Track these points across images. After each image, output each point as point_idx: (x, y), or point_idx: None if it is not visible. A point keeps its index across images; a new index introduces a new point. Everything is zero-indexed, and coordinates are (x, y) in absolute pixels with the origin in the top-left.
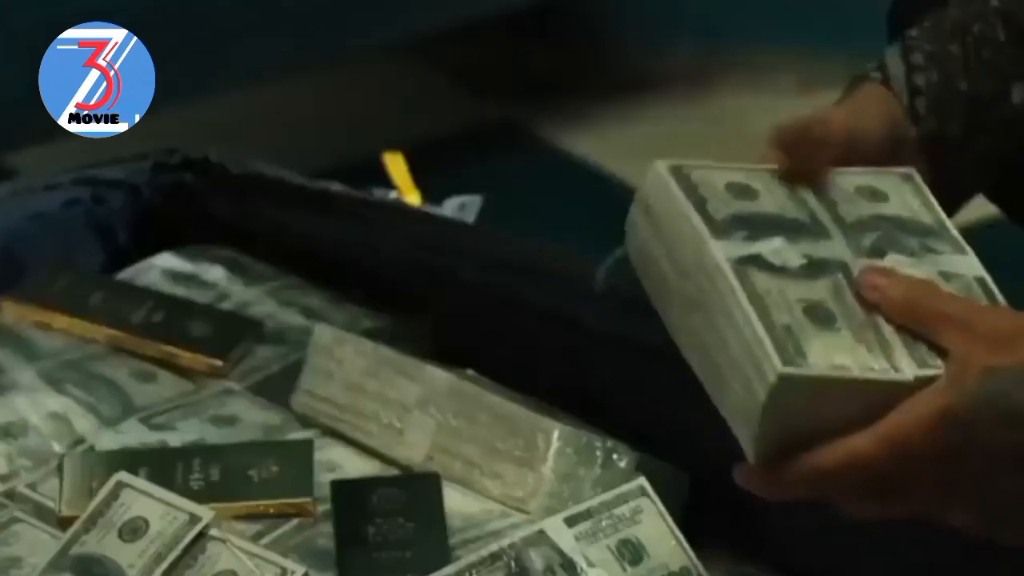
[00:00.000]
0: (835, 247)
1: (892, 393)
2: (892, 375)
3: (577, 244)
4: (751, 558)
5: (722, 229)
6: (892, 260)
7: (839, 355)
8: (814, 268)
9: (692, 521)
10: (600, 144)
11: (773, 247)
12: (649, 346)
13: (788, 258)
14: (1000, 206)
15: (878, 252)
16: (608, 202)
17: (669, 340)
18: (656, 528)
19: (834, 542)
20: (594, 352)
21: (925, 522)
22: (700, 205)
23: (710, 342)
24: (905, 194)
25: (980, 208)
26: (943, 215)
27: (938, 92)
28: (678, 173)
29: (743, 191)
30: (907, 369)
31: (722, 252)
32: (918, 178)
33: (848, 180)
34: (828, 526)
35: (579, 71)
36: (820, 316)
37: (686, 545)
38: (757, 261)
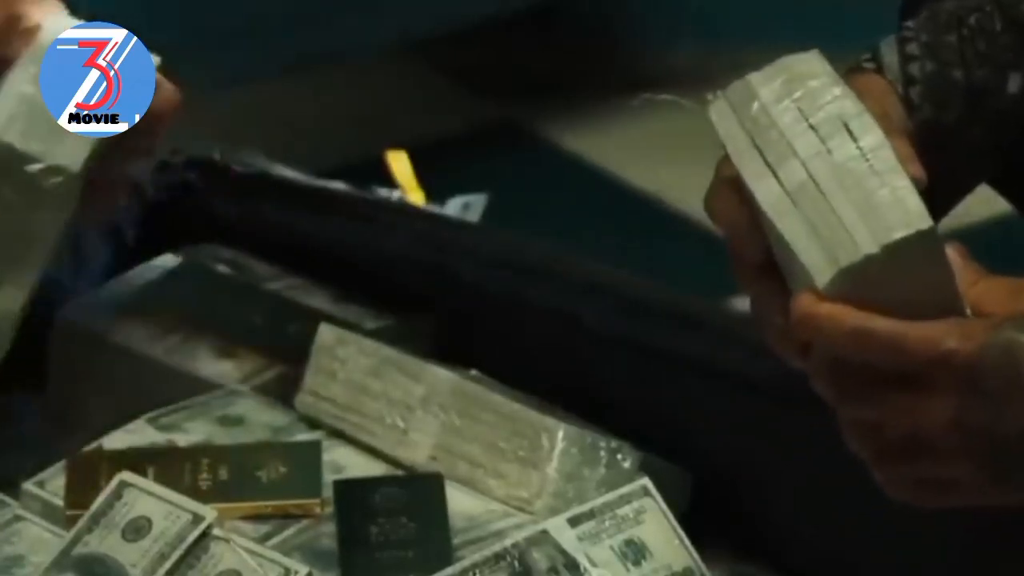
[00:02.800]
0: None
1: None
2: None
3: (579, 243)
4: (751, 558)
5: None
6: None
7: None
8: None
9: (693, 521)
10: (601, 144)
11: None
12: (651, 346)
13: None
14: (1006, 198)
15: None
16: (609, 202)
17: (671, 342)
18: (659, 528)
19: (834, 542)
20: (596, 352)
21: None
22: None
23: (835, 182)
24: None
25: (988, 204)
26: None
27: (933, 81)
28: None
29: None
30: None
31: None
32: None
33: None
34: (828, 526)
35: (580, 71)
36: None
37: (689, 545)
38: None
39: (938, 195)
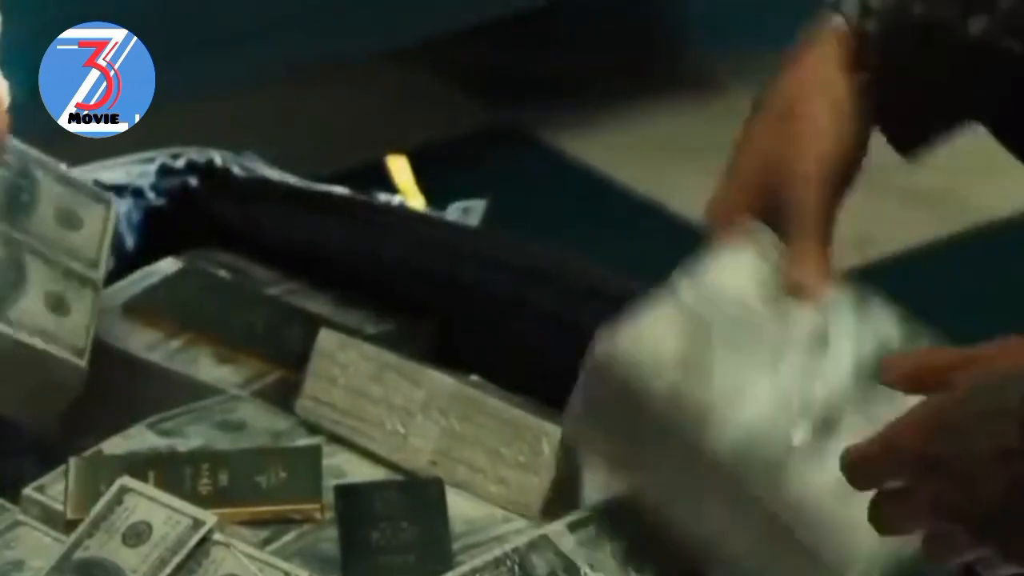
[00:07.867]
0: None
1: None
2: None
3: (579, 248)
4: None
5: None
6: None
7: None
8: None
9: None
10: (603, 148)
11: None
12: None
13: None
14: (1010, 151)
15: None
16: (610, 206)
17: None
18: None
19: None
20: None
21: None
22: None
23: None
24: None
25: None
26: None
27: (890, 14)
28: None
29: None
30: None
31: None
32: None
33: None
34: None
35: (582, 74)
36: None
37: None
38: None
39: (900, 132)
